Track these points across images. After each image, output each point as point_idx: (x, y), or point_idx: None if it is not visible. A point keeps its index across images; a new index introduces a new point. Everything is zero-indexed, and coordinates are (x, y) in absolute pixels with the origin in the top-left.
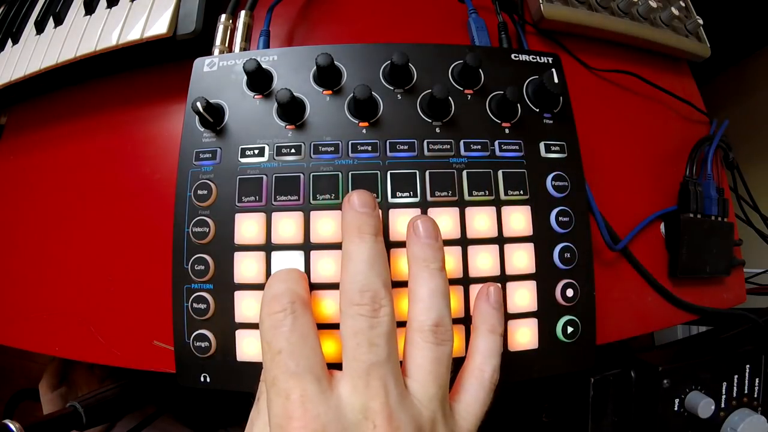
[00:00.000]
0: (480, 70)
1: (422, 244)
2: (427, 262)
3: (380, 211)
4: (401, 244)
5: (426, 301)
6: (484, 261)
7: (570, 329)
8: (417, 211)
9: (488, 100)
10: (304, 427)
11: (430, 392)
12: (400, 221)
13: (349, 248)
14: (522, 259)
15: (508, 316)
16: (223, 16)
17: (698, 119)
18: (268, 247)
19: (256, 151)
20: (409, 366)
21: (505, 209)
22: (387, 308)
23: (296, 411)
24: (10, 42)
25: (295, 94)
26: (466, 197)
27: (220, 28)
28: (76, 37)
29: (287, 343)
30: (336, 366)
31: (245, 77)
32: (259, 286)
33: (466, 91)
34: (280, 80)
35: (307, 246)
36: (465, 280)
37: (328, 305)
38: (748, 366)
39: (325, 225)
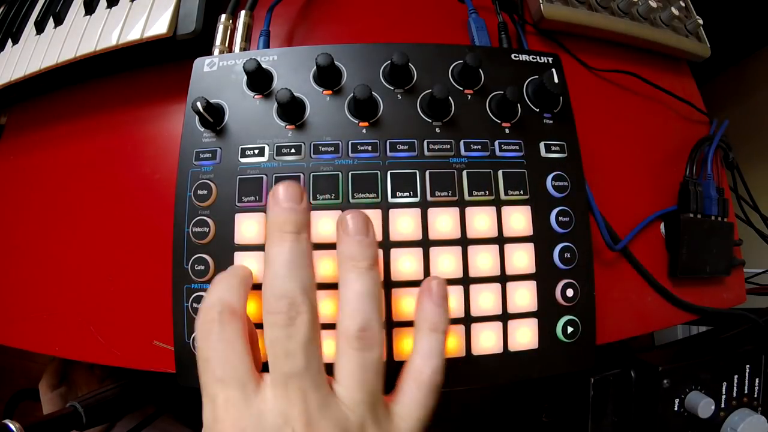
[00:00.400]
0: (480, 70)
1: (350, 240)
2: (355, 261)
3: (306, 202)
4: (402, 245)
5: (352, 305)
6: (484, 261)
7: (570, 329)
8: (417, 211)
9: (488, 100)
10: (228, 429)
11: (356, 398)
12: (400, 221)
13: (269, 250)
14: (522, 259)
15: (508, 316)
16: (223, 16)
17: (698, 119)
18: None
19: (256, 151)
20: (337, 371)
21: (505, 209)
22: (305, 315)
23: (220, 414)
24: (10, 42)
25: (295, 94)
26: (466, 197)
27: (220, 28)
28: (76, 37)
29: (213, 351)
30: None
31: (245, 77)
32: (259, 287)
33: (466, 91)
34: (280, 80)
35: None
36: (465, 280)
37: (326, 306)
38: (748, 366)
39: (325, 225)
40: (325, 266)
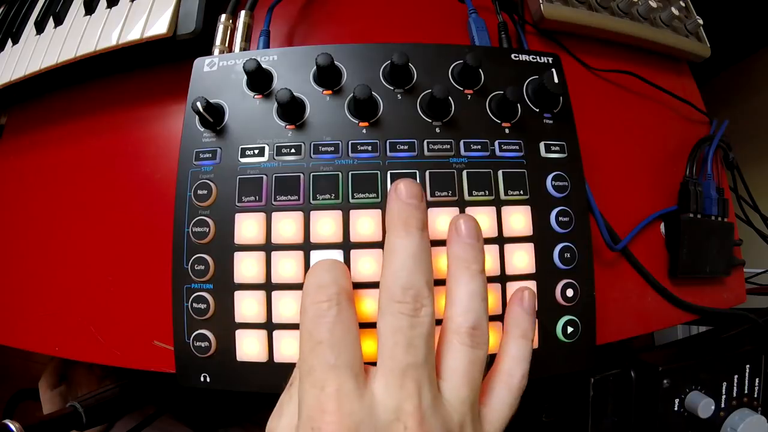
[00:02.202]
0: (480, 70)
1: (464, 244)
2: (467, 263)
3: (425, 202)
4: None
5: (465, 303)
6: None
7: (570, 329)
8: None
9: (488, 100)
10: (338, 422)
11: (462, 395)
12: None
13: (395, 242)
14: (522, 259)
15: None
16: (223, 16)
17: (698, 119)
18: (268, 247)
19: (256, 151)
20: (443, 368)
21: (505, 209)
22: (428, 308)
23: (330, 405)
24: (10, 42)
25: (295, 94)
26: (466, 197)
27: (220, 28)
28: (76, 37)
29: (329, 334)
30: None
31: (245, 77)
32: (259, 286)
33: (466, 91)
34: (280, 80)
35: (306, 246)
36: None
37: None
38: (748, 366)
39: (325, 225)
40: None
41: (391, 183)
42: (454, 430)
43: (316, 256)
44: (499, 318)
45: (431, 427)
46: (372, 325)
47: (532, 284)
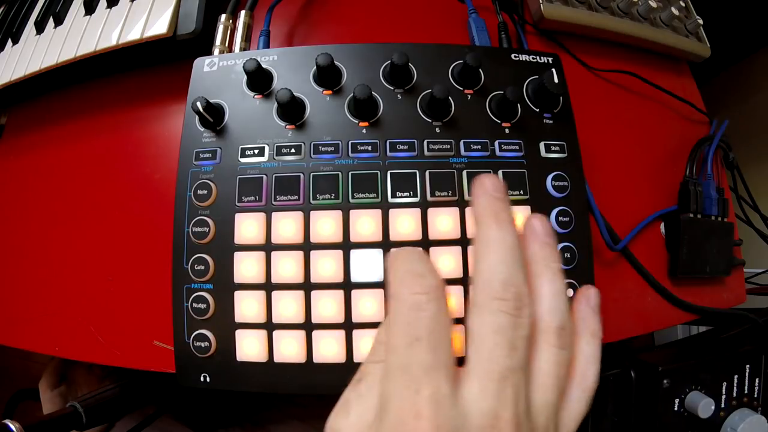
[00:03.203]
0: (480, 70)
1: (542, 243)
2: (547, 261)
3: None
4: (401, 244)
5: (551, 302)
6: None
7: None
8: (417, 211)
9: (488, 100)
10: (432, 428)
11: (549, 399)
12: (400, 221)
13: (489, 234)
14: None
15: None
16: (223, 16)
17: (698, 119)
18: (267, 247)
19: (256, 151)
20: (533, 370)
21: None
22: (528, 309)
23: (426, 410)
24: (10, 42)
25: (295, 94)
26: (467, 197)
27: (220, 28)
28: (76, 37)
29: (428, 331)
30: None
31: (245, 77)
32: (259, 286)
33: (466, 91)
34: (280, 80)
35: (306, 246)
36: (465, 281)
37: (329, 305)
38: (748, 366)
39: (325, 225)
40: (324, 265)
41: (392, 183)
42: None
43: (316, 256)
44: None
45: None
46: (372, 325)
47: None
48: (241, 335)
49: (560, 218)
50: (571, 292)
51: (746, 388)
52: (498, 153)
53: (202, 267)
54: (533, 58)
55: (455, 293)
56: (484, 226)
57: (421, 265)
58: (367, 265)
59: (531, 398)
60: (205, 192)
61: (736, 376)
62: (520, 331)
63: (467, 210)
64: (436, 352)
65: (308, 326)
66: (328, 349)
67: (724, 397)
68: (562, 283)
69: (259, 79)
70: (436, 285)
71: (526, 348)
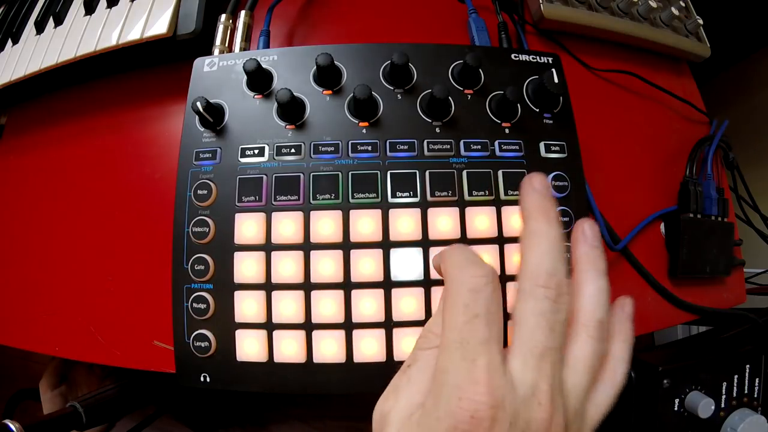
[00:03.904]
0: (480, 70)
1: (590, 245)
2: (594, 262)
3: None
4: (402, 245)
5: (594, 297)
6: None
7: None
8: (417, 211)
9: (488, 100)
10: (488, 394)
11: (583, 383)
12: (400, 221)
13: (538, 227)
14: None
15: (507, 317)
16: (223, 16)
17: (698, 119)
18: (267, 247)
19: (256, 151)
20: (569, 355)
21: (505, 209)
22: (567, 297)
23: (482, 377)
24: (10, 42)
25: (295, 94)
26: (466, 197)
27: (220, 28)
28: (76, 37)
29: (485, 309)
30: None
31: (245, 77)
32: (259, 286)
33: (466, 91)
34: (280, 80)
35: (306, 246)
36: None
37: (329, 305)
38: (748, 366)
39: (325, 225)
40: (324, 265)
41: (392, 183)
42: (570, 414)
43: (315, 256)
44: None
45: (558, 406)
46: (372, 325)
47: None
48: (241, 335)
49: (560, 218)
50: None
51: (746, 388)
52: (498, 153)
53: (202, 267)
54: (533, 58)
55: None
56: (533, 221)
57: (474, 256)
58: (367, 264)
59: (565, 379)
60: (205, 192)
61: (736, 376)
62: (559, 315)
63: (467, 210)
64: (491, 328)
65: (308, 326)
66: (328, 349)
67: (724, 397)
68: (606, 283)
69: (259, 79)
70: (492, 270)
71: (563, 332)
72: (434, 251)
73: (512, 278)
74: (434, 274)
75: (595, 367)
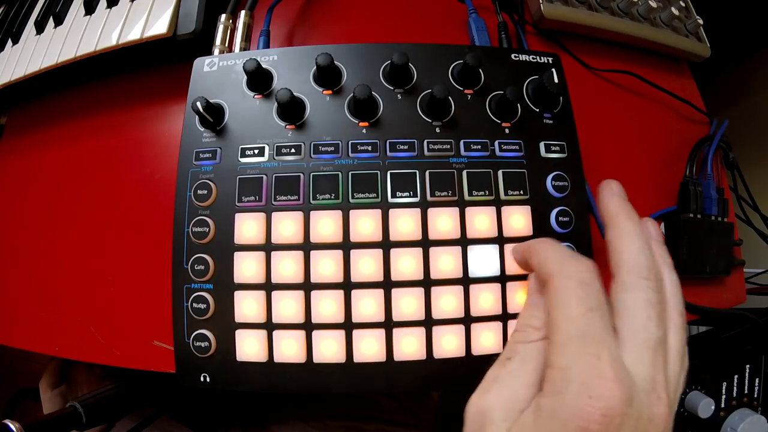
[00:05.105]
0: (480, 70)
1: (657, 242)
2: (664, 257)
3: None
4: (402, 245)
5: (673, 289)
6: (484, 261)
7: None
8: (417, 211)
9: (488, 100)
10: (617, 389)
11: (678, 372)
12: (400, 221)
13: (629, 228)
14: None
15: (507, 316)
16: (223, 16)
17: (698, 119)
18: (268, 247)
19: (256, 151)
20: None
21: (505, 209)
22: (664, 291)
23: (608, 371)
24: (10, 42)
25: (295, 94)
26: (466, 197)
27: (220, 28)
28: (76, 37)
29: (598, 302)
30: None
31: (245, 77)
32: (259, 287)
33: (466, 91)
34: (280, 80)
35: (306, 246)
36: (465, 281)
37: (330, 305)
38: (748, 366)
39: (325, 225)
40: (324, 265)
41: (392, 183)
42: (673, 402)
43: (315, 256)
44: (499, 318)
45: (672, 398)
46: (372, 325)
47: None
48: (241, 335)
49: (560, 218)
50: None
51: (746, 388)
52: (498, 153)
53: (202, 267)
54: (533, 58)
55: (454, 293)
56: (621, 222)
57: (572, 250)
58: (367, 264)
59: (667, 368)
60: (205, 192)
61: (736, 376)
62: (663, 306)
63: (467, 210)
64: (606, 321)
65: (308, 326)
66: (328, 349)
67: (724, 397)
68: (676, 275)
69: (259, 79)
70: (594, 265)
71: (666, 326)
72: (434, 251)
73: (513, 278)
74: (435, 274)
75: (684, 354)
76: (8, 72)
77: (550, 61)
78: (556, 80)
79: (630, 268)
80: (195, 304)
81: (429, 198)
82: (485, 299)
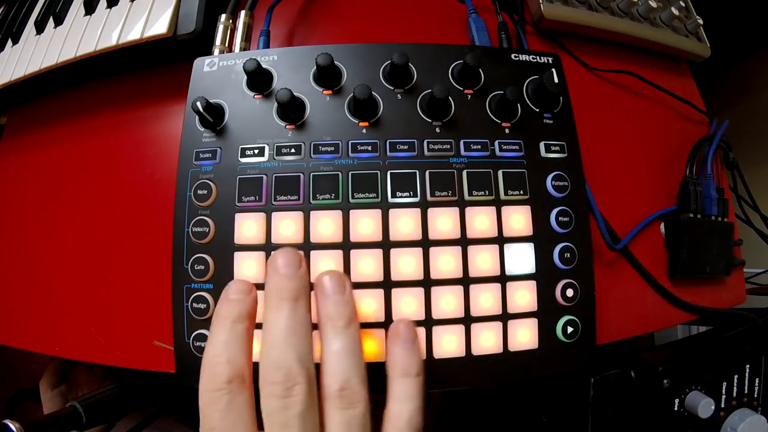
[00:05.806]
0: (480, 70)
1: (327, 301)
2: (333, 320)
3: (305, 268)
4: (402, 245)
5: (332, 365)
6: (484, 261)
7: (570, 329)
8: (417, 211)
9: (488, 100)
10: None
11: None
12: (400, 221)
13: (267, 317)
14: (522, 259)
15: (508, 316)
16: (223, 16)
17: (698, 119)
18: (268, 247)
19: (256, 151)
20: (325, 430)
21: (505, 209)
22: (302, 386)
23: None
24: (10, 42)
25: (295, 93)
26: (466, 197)
27: (220, 28)
28: (76, 37)
29: (221, 422)
30: None
31: (245, 77)
32: (259, 286)
33: (466, 91)
34: (280, 80)
35: (306, 246)
36: (465, 280)
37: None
38: (748, 366)
39: (325, 225)
40: (323, 266)
41: (392, 183)
42: None
43: (315, 256)
44: (498, 318)
45: None
46: (372, 325)
47: (531, 284)
48: None
49: (560, 218)
50: (571, 292)
51: (746, 388)
52: (498, 153)
53: (202, 267)
54: (533, 58)
55: (454, 293)
56: (265, 309)
57: (221, 354)
58: (367, 265)
59: None
60: (205, 192)
61: (736, 376)
62: (292, 410)
63: (467, 210)
64: None
65: None
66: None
67: (724, 397)
68: (346, 339)
69: (259, 79)
70: (229, 379)
71: (304, 423)
72: (434, 251)
73: (513, 279)
74: (434, 274)
75: (360, 429)
76: (8, 72)
77: (550, 61)
78: (556, 80)
79: (261, 368)
80: (195, 304)
81: (429, 198)
82: (485, 299)
